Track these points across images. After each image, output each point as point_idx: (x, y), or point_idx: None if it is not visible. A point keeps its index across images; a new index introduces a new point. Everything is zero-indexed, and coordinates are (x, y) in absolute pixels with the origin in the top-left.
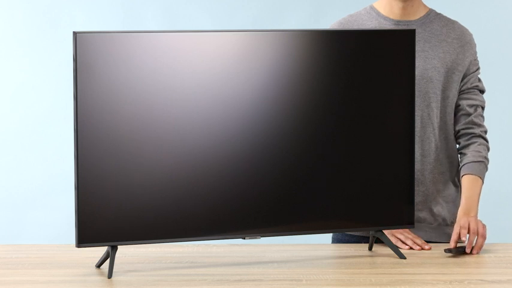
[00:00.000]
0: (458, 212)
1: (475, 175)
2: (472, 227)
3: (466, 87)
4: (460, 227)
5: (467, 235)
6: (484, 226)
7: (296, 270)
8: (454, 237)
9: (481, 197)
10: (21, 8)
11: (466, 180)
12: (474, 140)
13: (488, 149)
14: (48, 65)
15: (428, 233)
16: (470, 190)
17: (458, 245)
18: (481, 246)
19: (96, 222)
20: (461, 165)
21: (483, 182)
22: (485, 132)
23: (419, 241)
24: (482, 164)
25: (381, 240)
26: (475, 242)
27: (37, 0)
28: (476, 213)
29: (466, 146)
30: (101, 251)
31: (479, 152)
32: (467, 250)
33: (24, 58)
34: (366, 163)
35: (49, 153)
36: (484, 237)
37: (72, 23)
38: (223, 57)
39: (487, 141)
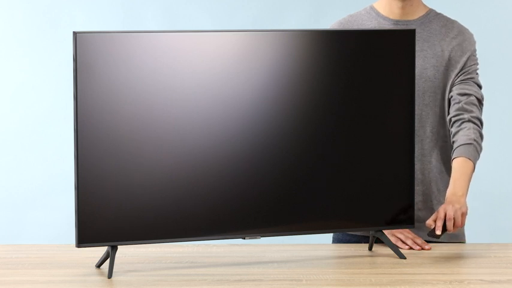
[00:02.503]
0: (446, 194)
1: (464, 157)
2: (449, 214)
3: (460, 79)
4: (437, 217)
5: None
6: (464, 213)
7: (296, 270)
8: (428, 221)
9: (480, 195)
10: (21, 8)
11: (455, 163)
12: (464, 125)
13: (480, 135)
14: (48, 65)
15: None
16: (459, 171)
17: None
18: (455, 230)
19: (96, 222)
20: (452, 151)
21: (474, 164)
22: (478, 119)
23: (419, 241)
24: (471, 146)
25: (381, 240)
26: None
27: (37, 0)
28: (464, 193)
29: (456, 133)
30: (101, 251)
31: (468, 135)
32: (437, 232)
33: (24, 58)
34: (366, 163)
35: (49, 153)
36: (458, 226)
37: (72, 23)
38: (223, 57)
39: (478, 126)
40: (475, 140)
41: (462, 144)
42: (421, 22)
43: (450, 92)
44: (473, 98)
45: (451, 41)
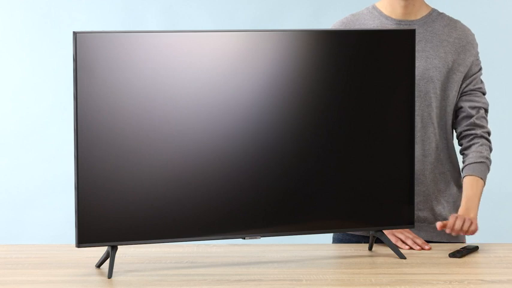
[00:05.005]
0: (458, 212)
1: (476, 176)
2: (460, 217)
3: (469, 89)
4: (446, 221)
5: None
6: (475, 225)
7: (296, 270)
8: (438, 223)
9: (481, 197)
10: (21, 8)
11: (466, 181)
12: (476, 140)
13: (490, 150)
14: (48, 65)
15: (429, 233)
16: (471, 191)
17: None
18: (461, 231)
19: (96, 222)
20: (463, 166)
21: (485, 182)
22: (488, 133)
23: (419, 241)
24: (483, 165)
25: (381, 240)
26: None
27: (37, 0)
28: (476, 214)
29: (468, 147)
30: (101, 251)
31: (481, 152)
32: (447, 231)
33: (24, 58)
34: (366, 163)
35: (49, 153)
36: (467, 232)
37: (72, 23)
38: (223, 57)
39: (489, 142)
40: (487, 158)
41: (475, 162)
42: (424, 22)
43: (458, 101)
44: (482, 111)
45: (454, 42)
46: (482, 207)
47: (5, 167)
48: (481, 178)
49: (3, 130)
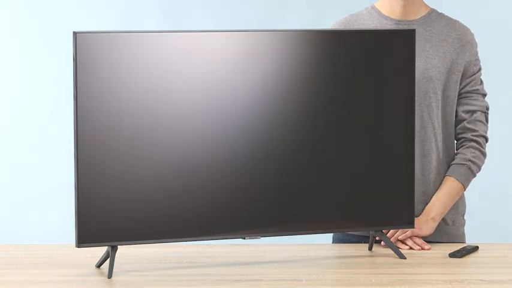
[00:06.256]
0: (425, 207)
1: (452, 177)
2: (400, 235)
3: (465, 91)
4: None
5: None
6: (419, 229)
7: (296, 270)
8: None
9: (480, 195)
10: (21, 8)
11: (444, 181)
12: (464, 143)
13: (482, 154)
14: (48, 65)
15: None
16: (442, 191)
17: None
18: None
19: (96, 222)
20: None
21: (464, 184)
22: (481, 136)
23: (419, 241)
24: (463, 167)
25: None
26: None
27: (37, 0)
28: (436, 217)
29: (457, 149)
30: (101, 251)
31: (464, 154)
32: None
33: (24, 58)
34: (366, 163)
35: (49, 153)
36: (409, 244)
37: (72, 23)
38: (223, 57)
39: (479, 145)
40: (469, 160)
41: (456, 164)
42: (423, 22)
43: (456, 105)
44: (477, 114)
45: (453, 42)
46: (482, 207)
47: (5, 167)
48: (457, 179)
49: (3, 130)
